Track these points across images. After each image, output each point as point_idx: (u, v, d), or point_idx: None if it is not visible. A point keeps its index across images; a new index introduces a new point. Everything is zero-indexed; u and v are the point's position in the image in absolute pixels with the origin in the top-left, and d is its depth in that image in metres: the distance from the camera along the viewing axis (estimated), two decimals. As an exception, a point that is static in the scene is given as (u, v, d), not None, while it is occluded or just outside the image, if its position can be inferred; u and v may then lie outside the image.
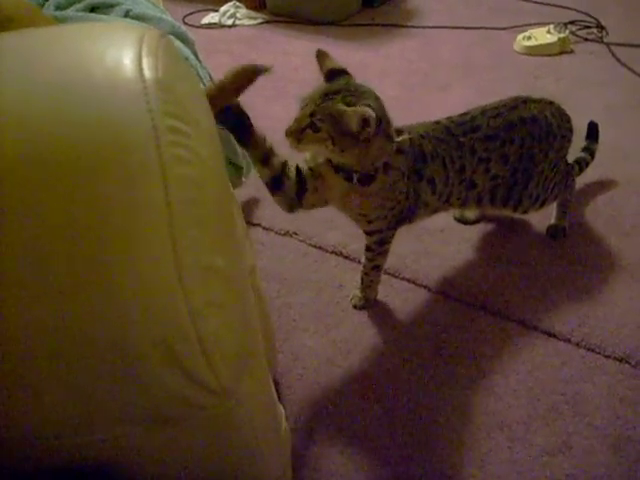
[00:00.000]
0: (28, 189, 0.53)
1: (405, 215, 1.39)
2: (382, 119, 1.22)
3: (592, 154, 1.78)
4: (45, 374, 0.59)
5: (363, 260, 1.48)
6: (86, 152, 0.54)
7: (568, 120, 1.57)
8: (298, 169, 1.31)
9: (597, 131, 1.80)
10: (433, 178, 1.38)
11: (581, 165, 1.76)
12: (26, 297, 0.55)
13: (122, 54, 0.57)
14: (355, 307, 1.53)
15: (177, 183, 0.56)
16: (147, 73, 0.57)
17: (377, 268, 1.48)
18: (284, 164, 1.30)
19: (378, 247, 1.43)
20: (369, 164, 1.26)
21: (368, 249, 1.44)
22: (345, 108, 1.16)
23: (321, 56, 1.28)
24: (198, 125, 0.61)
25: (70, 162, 0.53)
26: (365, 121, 1.16)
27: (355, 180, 1.27)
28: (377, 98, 1.25)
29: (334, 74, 1.25)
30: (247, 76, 1.20)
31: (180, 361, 0.59)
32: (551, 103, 1.56)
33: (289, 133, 1.21)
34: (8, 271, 0.54)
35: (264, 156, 1.28)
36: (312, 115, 1.18)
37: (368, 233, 1.41)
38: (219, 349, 0.61)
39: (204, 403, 0.64)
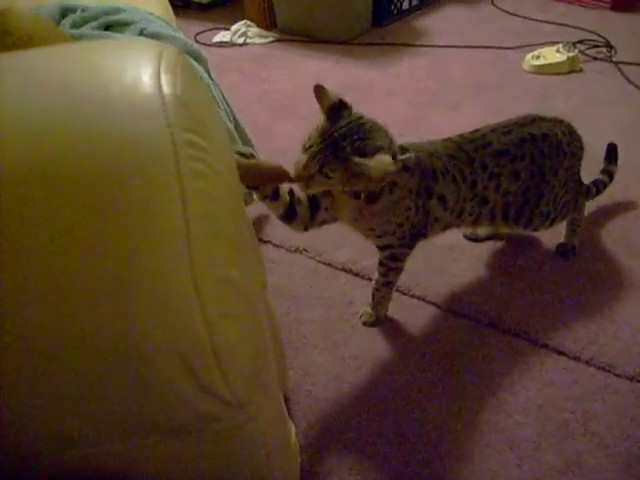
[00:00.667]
0: (47, 204, 0.54)
1: (418, 231, 1.40)
2: (396, 154, 1.22)
3: (611, 176, 1.78)
4: (58, 384, 0.59)
5: (375, 276, 1.48)
6: (105, 167, 0.55)
7: (579, 139, 1.58)
8: None
9: (616, 153, 1.80)
10: (444, 195, 1.38)
11: (598, 187, 1.75)
12: (42, 310, 0.56)
13: (141, 70, 0.58)
14: (365, 324, 1.53)
15: (195, 197, 0.57)
16: (166, 89, 0.58)
17: (389, 285, 1.48)
18: (291, 192, 1.29)
19: (390, 262, 1.43)
20: (376, 185, 1.26)
21: (381, 264, 1.45)
22: (364, 162, 1.14)
23: (319, 92, 1.22)
24: (214, 140, 0.62)
25: (89, 176, 0.54)
26: (386, 172, 1.17)
27: (362, 198, 1.28)
28: (380, 129, 1.23)
29: (335, 110, 1.21)
30: (277, 177, 1.20)
31: (195, 372, 0.59)
32: (561, 122, 1.56)
33: (299, 178, 1.19)
34: (27, 287, 0.55)
35: (273, 193, 1.26)
36: (322, 166, 1.16)
37: (380, 248, 1.42)
38: (233, 361, 0.61)
39: (217, 414, 0.64)
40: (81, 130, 0.55)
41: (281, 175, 1.18)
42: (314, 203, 1.31)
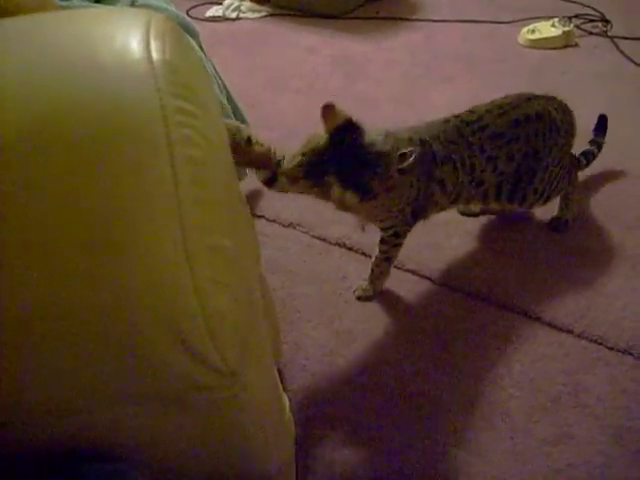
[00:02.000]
0: (35, 167, 0.54)
1: (418, 212, 1.41)
2: (373, 190, 1.23)
3: (599, 147, 1.78)
4: (49, 353, 0.59)
5: (376, 251, 1.49)
6: (94, 131, 0.54)
7: (571, 115, 1.58)
8: None
9: (606, 124, 1.80)
10: (443, 179, 1.40)
11: (588, 158, 1.76)
12: (31, 274, 0.56)
13: (130, 36, 0.58)
14: (359, 299, 1.53)
15: (185, 163, 0.57)
16: (155, 55, 0.57)
17: (389, 260, 1.49)
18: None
19: (393, 239, 1.45)
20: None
21: (382, 242, 1.46)
22: (335, 189, 1.20)
23: (326, 112, 1.22)
24: (205, 107, 0.61)
25: (79, 139, 0.54)
26: (350, 206, 1.24)
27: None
28: (381, 155, 1.23)
29: (340, 130, 1.22)
30: (263, 164, 1.23)
31: (185, 339, 0.59)
32: (554, 98, 1.56)
33: (282, 174, 1.22)
34: (15, 249, 0.55)
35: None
36: (306, 177, 1.21)
37: (383, 229, 1.44)
38: (224, 328, 0.61)
39: (209, 383, 0.65)
40: (71, 95, 0.55)
41: (266, 163, 1.21)
42: None
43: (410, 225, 1.44)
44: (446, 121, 1.44)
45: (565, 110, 1.56)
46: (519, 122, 1.47)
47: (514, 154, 1.47)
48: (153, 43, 0.58)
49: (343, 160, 1.20)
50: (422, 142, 1.35)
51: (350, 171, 1.21)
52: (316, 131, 1.23)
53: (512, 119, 1.47)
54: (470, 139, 1.42)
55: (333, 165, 1.20)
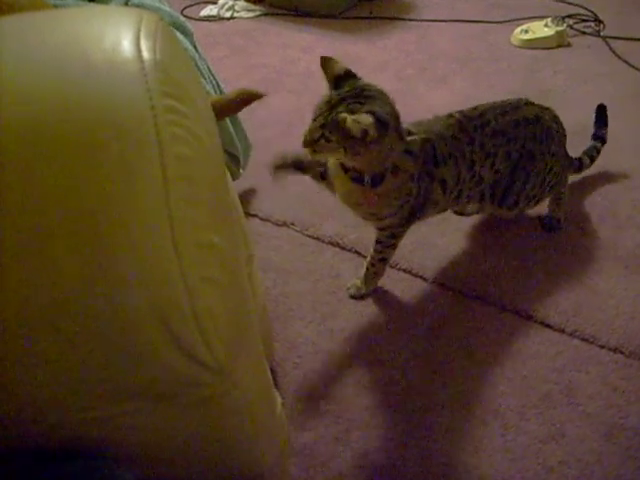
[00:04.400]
0: (26, 164, 0.54)
1: (416, 212, 1.42)
2: (389, 120, 1.23)
3: (603, 140, 1.80)
4: (41, 349, 0.60)
5: (371, 251, 1.49)
6: (85, 129, 0.55)
7: (562, 125, 1.61)
8: None
9: (606, 115, 1.82)
10: (445, 179, 1.41)
11: (592, 155, 1.79)
12: (22, 269, 0.56)
13: (120, 35, 0.58)
14: (352, 297, 1.54)
15: (174, 161, 0.57)
16: (145, 54, 0.58)
17: (384, 261, 1.50)
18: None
19: (389, 240, 1.45)
20: (380, 165, 1.28)
21: (378, 242, 1.47)
22: (344, 117, 1.17)
23: (325, 63, 1.29)
24: (195, 106, 0.62)
25: (69, 138, 0.54)
26: (364, 131, 1.18)
27: (367, 181, 1.30)
28: (383, 99, 1.26)
29: (341, 79, 1.27)
30: (247, 96, 1.43)
31: (175, 335, 0.60)
32: (547, 108, 1.59)
33: (305, 144, 1.25)
34: (7, 250, 0.55)
35: (320, 175, 1.43)
36: (323, 127, 1.21)
37: (380, 229, 1.44)
38: (214, 325, 0.61)
39: (199, 379, 0.65)
40: (61, 95, 0.55)
41: (250, 95, 1.41)
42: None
43: (406, 226, 1.45)
44: (450, 116, 1.46)
45: (557, 120, 1.59)
46: (519, 123, 1.50)
47: (511, 153, 1.49)
48: (144, 42, 0.58)
49: (350, 96, 1.23)
50: (424, 140, 1.36)
51: (358, 101, 1.23)
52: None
53: (513, 119, 1.50)
54: (472, 134, 1.44)
55: (342, 103, 1.23)
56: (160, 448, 0.78)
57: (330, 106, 1.23)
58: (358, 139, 1.19)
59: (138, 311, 0.58)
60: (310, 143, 1.24)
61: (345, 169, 1.32)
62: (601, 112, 1.83)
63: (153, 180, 0.56)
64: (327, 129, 1.21)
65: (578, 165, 1.76)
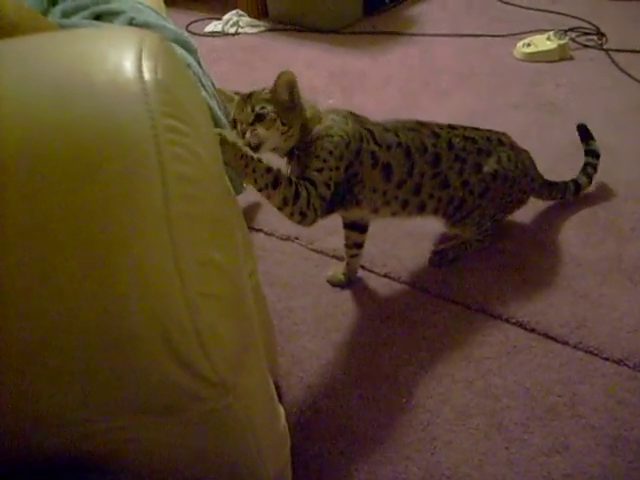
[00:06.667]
0: (28, 183, 0.55)
1: (339, 193, 1.37)
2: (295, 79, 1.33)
3: (595, 154, 1.80)
4: (43, 363, 0.60)
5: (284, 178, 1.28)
6: (88, 149, 0.56)
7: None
8: None
9: (588, 131, 1.82)
10: (390, 164, 1.41)
11: (588, 173, 1.80)
12: (25, 287, 0.57)
13: (123, 56, 0.59)
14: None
15: (175, 180, 0.58)
16: (147, 75, 0.59)
17: (267, 193, 1.26)
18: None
19: (302, 189, 1.29)
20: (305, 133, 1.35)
21: (290, 182, 1.28)
22: (274, 82, 1.30)
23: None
24: (196, 125, 0.63)
25: (72, 158, 0.56)
26: (289, 83, 1.30)
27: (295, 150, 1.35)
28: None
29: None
30: None
31: (177, 351, 0.60)
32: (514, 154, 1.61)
33: (243, 134, 1.29)
34: (9, 261, 0.56)
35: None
36: (252, 110, 1.29)
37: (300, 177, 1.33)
38: (215, 340, 0.62)
39: (201, 394, 0.66)
40: (63, 114, 0.56)
41: None
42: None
43: (324, 203, 1.33)
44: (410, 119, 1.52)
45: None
46: (491, 140, 1.55)
47: (482, 166, 1.51)
48: (145, 63, 0.60)
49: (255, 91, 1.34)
50: (358, 122, 1.42)
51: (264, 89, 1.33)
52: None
53: (485, 135, 1.56)
54: (436, 130, 1.49)
55: (251, 95, 1.33)
56: (163, 462, 0.79)
57: (244, 100, 1.32)
58: (287, 100, 1.31)
59: (139, 327, 0.59)
60: (247, 133, 1.27)
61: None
62: (582, 130, 1.83)
63: (154, 199, 0.57)
64: (258, 107, 1.28)
65: (575, 187, 1.78)
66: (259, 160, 1.21)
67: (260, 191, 1.24)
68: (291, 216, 1.29)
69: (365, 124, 1.42)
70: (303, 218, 1.29)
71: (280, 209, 1.27)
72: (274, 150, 1.35)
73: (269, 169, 1.22)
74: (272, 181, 1.23)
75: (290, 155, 1.37)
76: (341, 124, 1.37)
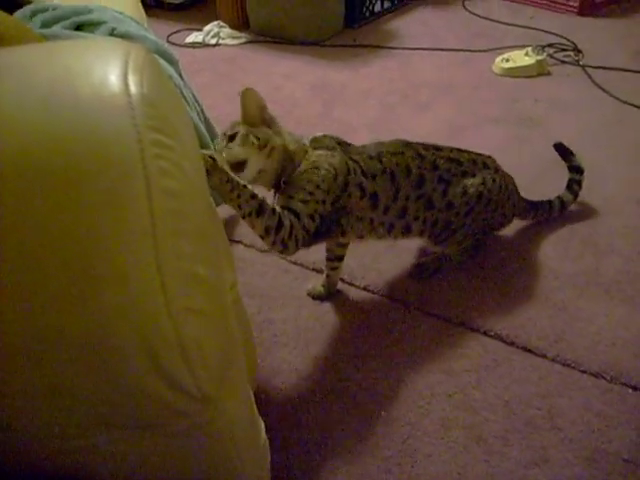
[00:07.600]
0: (13, 197, 0.55)
1: (324, 224, 1.37)
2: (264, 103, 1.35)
3: (579, 170, 1.82)
4: (26, 378, 0.60)
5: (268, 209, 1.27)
6: (73, 162, 0.55)
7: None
8: None
9: (565, 148, 1.84)
10: (376, 192, 1.42)
11: (573, 189, 1.82)
12: (9, 302, 0.56)
13: (108, 70, 0.59)
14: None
15: (161, 194, 0.58)
16: (133, 89, 0.59)
17: (257, 217, 1.24)
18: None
19: (286, 226, 1.28)
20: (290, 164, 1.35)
21: (274, 211, 1.27)
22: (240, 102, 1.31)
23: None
24: (181, 139, 0.63)
25: (57, 171, 0.55)
26: (253, 98, 1.32)
27: (282, 182, 1.35)
28: None
29: None
30: None
31: (160, 365, 0.60)
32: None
33: (220, 153, 1.29)
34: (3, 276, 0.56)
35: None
36: (225, 134, 1.32)
37: (286, 207, 1.33)
38: (199, 355, 0.62)
39: (184, 409, 0.65)
40: (49, 128, 0.56)
41: None
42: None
43: (307, 234, 1.33)
44: (397, 139, 1.52)
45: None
46: (476, 162, 1.56)
47: (467, 190, 1.52)
48: (131, 77, 0.60)
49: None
50: (345, 152, 1.42)
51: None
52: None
53: (472, 158, 1.57)
54: (422, 152, 1.49)
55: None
56: (144, 476, 0.78)
57: (224, 134, 1.34)
58: (257, 116, 1.32)
59: (124, 341, 0.58)
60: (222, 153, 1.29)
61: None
62: (560, 148, 1.85)
63: (140, 213, 0.57)
64: (229, 131, 1.31)
65: (560, 205, 1.80)
66: (244, 186, 1.20)
67: (243, 218, 1.23)
68: (273, 245, 1.28)
69: (351, 153, 1.42)
70: (285, 248, 1.29)
71: (262, 237, 1.27)
72: (261, 178, 1.34)
73: (254, 195, 1.22)
74: (256, 208, 1.22)
75: (277, 187, 1.37)
76: (328, 157, 1.37)
